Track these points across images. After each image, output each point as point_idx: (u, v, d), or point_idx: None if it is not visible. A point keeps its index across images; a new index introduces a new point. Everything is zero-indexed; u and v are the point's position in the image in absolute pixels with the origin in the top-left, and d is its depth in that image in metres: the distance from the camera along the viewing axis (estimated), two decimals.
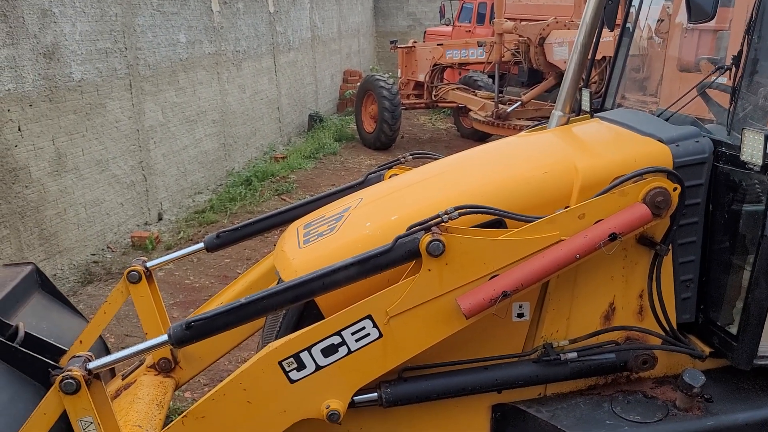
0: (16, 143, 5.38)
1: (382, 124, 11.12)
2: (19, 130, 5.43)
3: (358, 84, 12.90)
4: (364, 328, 2.08)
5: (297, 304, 2.15)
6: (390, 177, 3.02)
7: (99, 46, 6.49)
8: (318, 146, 11.07)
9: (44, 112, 5.72)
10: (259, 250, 6.19)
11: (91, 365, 2.00)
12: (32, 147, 5.57)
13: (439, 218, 2.10)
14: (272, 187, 8.60)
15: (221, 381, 4.12)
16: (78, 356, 2.02)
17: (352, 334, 2.08)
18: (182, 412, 3.73)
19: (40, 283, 3.31)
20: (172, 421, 3.32)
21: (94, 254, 6.31)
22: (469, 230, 2.13)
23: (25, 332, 2.85)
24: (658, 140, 2.36)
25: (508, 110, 9.63)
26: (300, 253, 2.40)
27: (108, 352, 3.41)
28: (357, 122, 12.00)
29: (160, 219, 7.53)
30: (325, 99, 14.51)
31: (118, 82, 6.81)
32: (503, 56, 9.99)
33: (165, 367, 2.92)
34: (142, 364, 2.97)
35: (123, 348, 4.42)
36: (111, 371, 3.10)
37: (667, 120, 2.61)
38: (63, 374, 1.92)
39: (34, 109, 5.60)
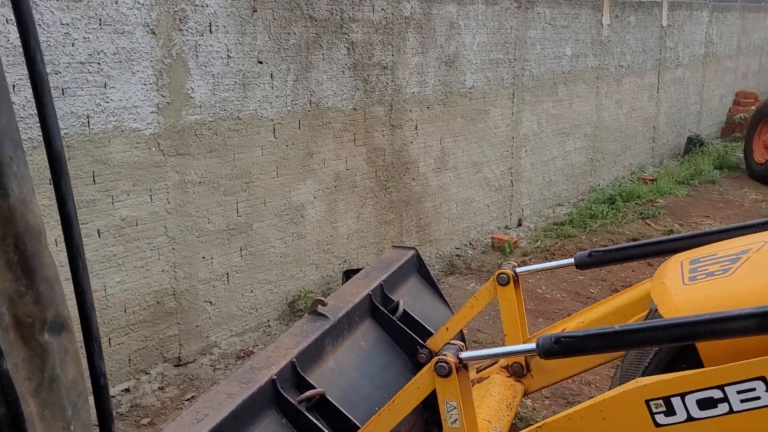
0: (411, 140, 6.09)
1: None
2: (416, 128, 6.13)
3: (754, 108, 11.44)
4: (754, 389, 1.82)
5: (677, 344, 1.98)
6: None
7: (491, 57, 6.94)
8: (694, 172, 10.14)
9: (437, 114, 6.36)
10: (617, 273, 5.94)
11: (463, 355, 2.13)
12: (423, 144, 6.24)
13: None
14: (637, 210, 8.17)
15: (563, 396, 4.12)
16: (452, 344, 2.17)
17: (738, 392, 1.83)
18: (523, 417, 3.83)
19: (417, 267, 3.71)
20: (515, 424, 3.42)
21: (457, 248, 6.82)
22: None
23: (403, 309, 3.23)
24: None
25: None
26: (684, 290, 2.21)
27: (464, 343, 3.67)
28: (746, 150, 10.63)
29: (519, 225, 7.77)
30: (709, 121, 13.20)
31: (502, 91, 7.20)
32: None
33: (517, 372, 3.01)
34: (496, 362, 3.09)
35: (474, 342, 4.70)
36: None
37: None
38: (439, 357, 2.08)
39: (430, 111, 6.26)
